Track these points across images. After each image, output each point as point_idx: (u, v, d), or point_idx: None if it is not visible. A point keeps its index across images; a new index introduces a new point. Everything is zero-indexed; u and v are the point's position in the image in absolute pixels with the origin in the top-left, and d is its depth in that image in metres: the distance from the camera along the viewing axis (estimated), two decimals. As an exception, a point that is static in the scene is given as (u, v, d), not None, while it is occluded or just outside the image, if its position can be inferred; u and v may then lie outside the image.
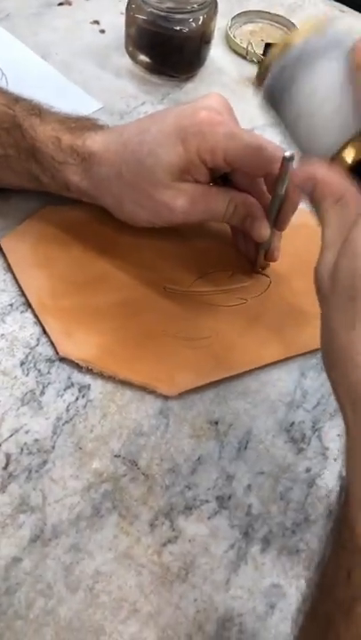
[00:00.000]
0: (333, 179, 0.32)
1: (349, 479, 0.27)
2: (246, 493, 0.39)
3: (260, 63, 0.64)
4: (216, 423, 0.42)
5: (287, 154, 0.40)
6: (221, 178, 0.46)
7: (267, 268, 0.49)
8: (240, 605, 0.36)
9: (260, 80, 0.36)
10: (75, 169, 0.45)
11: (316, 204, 0.32)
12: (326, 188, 0.31)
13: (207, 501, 0.39)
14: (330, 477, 0.41)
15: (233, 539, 0.38)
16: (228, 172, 0.45)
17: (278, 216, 0.45)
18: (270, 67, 0.35)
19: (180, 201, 0.43)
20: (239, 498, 0.39)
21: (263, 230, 0.45)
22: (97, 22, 0.67)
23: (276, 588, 0.37)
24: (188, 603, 0.35)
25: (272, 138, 0.56)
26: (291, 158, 0.40)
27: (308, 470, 0.41)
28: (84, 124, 0.47)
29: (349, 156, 0.33)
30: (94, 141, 0.45)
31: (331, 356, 0.29)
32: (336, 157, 0.33)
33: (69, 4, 0.68)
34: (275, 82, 0.35)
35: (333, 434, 0.42)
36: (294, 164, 0.40)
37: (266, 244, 0.46)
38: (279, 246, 0.47)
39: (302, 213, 0.54)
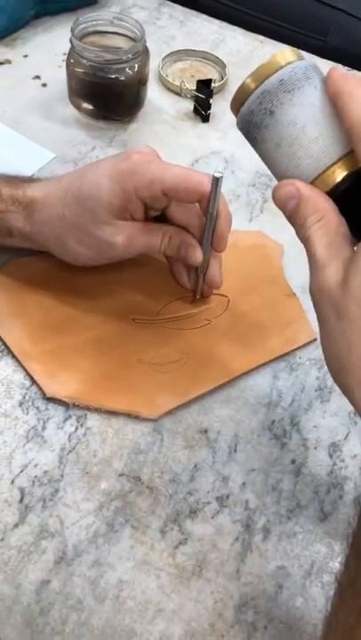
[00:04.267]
0: (317, 196, 0.33)
1: None
2: (242, 490, 0.44)
3: (202, 93, 0.69)
4: (206, 432, 0.46)
5: (217, 174, 0.44)
6: (157, 219, 0.49)
7: (210, 295, 0.52)
8: (252, 590, 0.40)
9: (235, 106, 0.36)
10: (17, 216, 0.49)
11: (299, 222, 0.33)
12: (311, 205, 0.32)
13: (208, 503, 0.43)
14: (313, 464, 0.45)
15: (236, 532, 0.42)
16: (165, 210, 0.48)
17: (214, 236, 0.48)
18: (248, 94, 0.35)
19: (120, 237, 0.47)
20: (236, 495, 0.43)
21: (197, 254, 0.48)
22: (38, 77, 0.71)
23: (281, 569, 0.41)
24: (205, 596, 0.39)
25: (217, 164, 0.62)
26: (220, 178, 0.44)
27: (293, 461, 0.45)
28: (21, 178, 0.52)
29: (330, 179, 0.33)
30: (35, 190, 0.49)
31: (346, 364, 0.31)
32: (317, 181, 0.34)
33: (9, 62, 0.72)
34: (253, 109, 0.35)
35: (310, 426, 0.47)
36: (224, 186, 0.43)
37: (204, 268, 0.49)
38: (220, 271, 0.50)
39: (251, 235, 0.59)
